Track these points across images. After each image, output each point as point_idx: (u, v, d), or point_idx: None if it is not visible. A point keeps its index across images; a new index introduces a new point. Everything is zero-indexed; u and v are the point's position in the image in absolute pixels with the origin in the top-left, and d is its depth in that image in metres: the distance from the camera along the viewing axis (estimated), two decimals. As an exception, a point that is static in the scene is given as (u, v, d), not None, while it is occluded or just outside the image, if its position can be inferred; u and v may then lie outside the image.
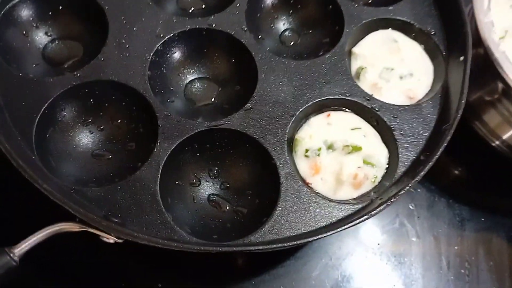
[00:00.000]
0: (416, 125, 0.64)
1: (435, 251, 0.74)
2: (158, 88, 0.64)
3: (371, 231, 0.74)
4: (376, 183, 0.62)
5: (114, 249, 0.52)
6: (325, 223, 0.56)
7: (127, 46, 0.64)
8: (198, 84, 0.69)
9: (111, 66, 0.63)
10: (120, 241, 0.50)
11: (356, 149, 0.62)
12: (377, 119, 0.65)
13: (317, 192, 0.60)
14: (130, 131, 0.62)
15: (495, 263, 0.74)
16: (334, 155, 0.63)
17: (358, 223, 0.54)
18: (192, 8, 0.74)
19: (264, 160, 0.60)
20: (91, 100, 0.62)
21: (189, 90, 0.68)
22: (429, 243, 0.74)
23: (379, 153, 0.63)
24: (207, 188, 0.61)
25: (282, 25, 0.75)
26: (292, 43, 0.74)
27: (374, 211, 0.54)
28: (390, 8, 0.73)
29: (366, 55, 0.70)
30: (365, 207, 0.58)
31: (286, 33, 0.75)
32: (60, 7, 0.68)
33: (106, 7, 0.66)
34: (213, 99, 0.68)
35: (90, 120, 0.62)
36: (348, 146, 0.62)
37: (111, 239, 0.49)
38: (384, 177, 0.62)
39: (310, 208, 0.57)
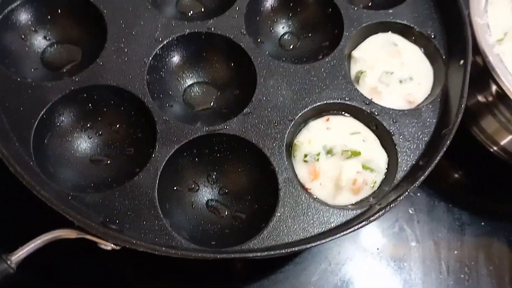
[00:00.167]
0: (415, 130, 0.64)
1: (435, 256, 0.73)
2: (156, 92, 0.64)
3: (370, 236, 0.74)
4: (375, 188, 0.62)
5: (112, 256, 0.52)
6: (323, 229, 0.56)
7: (125, 50, 0.64)
8: (197, 89, 0.68)
9: (110, 70, 0.62)
10: (118, 248, 0.50)
11: (355, 154, 0.62)
12: (377, 124, 0.64)
13: (316, 198, 0.60)
14: (128, 136, 0.62)
15: (495, 267, 0.74)
16: (333, 160, 0.62)
17: (356, 229, 0.53)
18: (191, 12, 0.74)
19: (263, 165, 0.60)
20: (90, 105, 0.62)
21: (188, 94, 0.68)
22: (429, 247, 0.74)
23: (379, 158, 0.63)
24: (206, 194, 0.61)
25: (281, 28, 0.75)
26: (291, 46, 0.74)
27: (373, 217, 0.54)
28: (390, 11, 0.72)
29: (366, 58, 0.70)
30: (364, 212, 0.58)
31: (286, 36, 0.75)
32: (59, 11, 0.68)
33: (105, 11, 0.66)
34: (212, 104, 0.68)
35: (88, 125, 0.62)
36: (347, 151, 0.62)
37: (108, 246, 0.49)
38: (383, 182, 0.62)
39: (309, 213, 0.57)
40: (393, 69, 0.70)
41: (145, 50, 0.64)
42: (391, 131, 0.63)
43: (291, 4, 0.75)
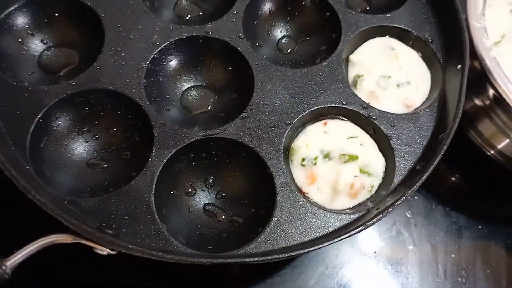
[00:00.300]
0: (413, 134, 0.64)
1: (432, 259, 0.73)
2: (154, 96, 0.64)
3: (368, 239, 0.74)
4: (373, 192, 0.62)
5: (108, 260, 0.52)
6: (321, 233, 0.56)
7: (123, 54, 0.64)
8: (195, 92, 0.68)
9: (107, 74, 0.62)
10: (114, 252, 0.50)
11: (353, 158, 0.62)
12: (374, 128, 0.64)
13: (314, 202, 0.60)
14: (125, 140, 0.62)
15: (492, 271, 0.74)
16: (331, 164, 0.62)
17: (354, 234, 0.53)
18: (189, 15, 0.74)
19: (260, 169, 0.60)
20: (87, 108, 0.62)
21: (185, 98, 0.68)
22: (426, 251, 0.74)
23: (376, 162, 0.63)
24: (203, 198, 0.61)
25: (279, 32, 0.75)
26: (289, 50, 0.74)
27: (370, 222, 0.54)
28: (388, 15, 0.73)
29: (363, 62, 0.70)
30: (361, 217, 0.58)
31: (283, 40, 0.75)
32: (56, 15, 0.67)
33: (102, 15, 0.66)
34: (209, 107, 0.68)
35: (85, 128, 0.62)
36: (344, 155, 0.62)
37: (104, 251, 0.49)
38: (380, 186, 0.62)
39: (306, 218, 0.57)
40: (391, 73, 0.70)
41: (142, 54, 0.64)
42: (388, 135, 0.63)
43: (289, 8, 0.75)
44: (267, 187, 0.59)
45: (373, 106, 0.65)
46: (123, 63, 0.63)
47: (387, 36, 0.73)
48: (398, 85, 0.69)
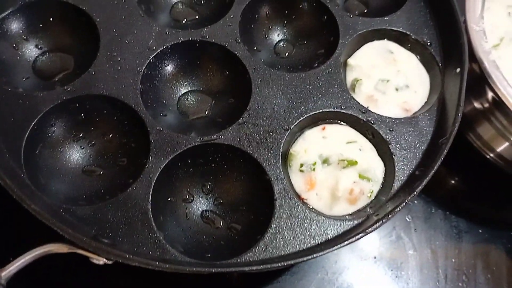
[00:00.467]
0: (412, 138, 0.63)
1: (432, 264, 0.73)
2: (150, 101, 0.63)
3: (367, 244, 0.73)
4: (372, 198, 0.61)
5: (105, 269, 0.51)
6: (320, 240, 0.55)
7: (118, 59, 0.63)
8: (191, 97, 0.68)
9: (103, 79, 0.61)
10: (110, 262, 0.49)
11: (352, 163, 0.61)
12: (373, 132, 0.64)
13: (312, 208, 0.59)
14: (121, 146, 0.61)
15: (493, 275, 0.73)
16: (330, 169, 0.62)
17: (354, 241, 0.53)
18: (185, 19, 0.73)
19: (258, 175, 0.59)
20: (82, 114, 0.61)
21: (182, 103, 0.67)
22: (426, 256, 0.73)
23: (375, 167, 0.62)
24: (201, 204, 0.60)
25: (276, 36, 0.75)
26: (287, 54, 0.74)
27: (370, 229, 0.54)
28: (386, 18, 0.72)
29: (362, 66, 0.70)
30: (361, 223, 0.57)
31: (281, 44, 0.74)
32: (51, 19, 0.67)
33: (98, 19, 0.65)
34: (206, 112, 0.67)
35: (81, 135, 0.61)
36: (343, 160, 0.61)
37: (100, 261, 0.48)
38: (380, 191, 0.61)
39: (305, 225, 0.56)
40: (389, 77, 0.69)
41: (138, 59, 0.64)
42: (387, 139, 0.63)
43: (286, 12, 0.74)
44: (266, 194, 0.58)
45: (371, 110, 0.65)
46: (119, 68, 0.63)
47: (385, 39, 0.72)
48: (396, 89, 0.69)
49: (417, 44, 0.71)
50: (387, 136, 0.63)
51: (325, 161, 0.62)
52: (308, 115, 0.63)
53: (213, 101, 0.68)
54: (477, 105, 0.73)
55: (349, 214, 0.59)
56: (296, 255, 0.53)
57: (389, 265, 0.72)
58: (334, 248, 0.52)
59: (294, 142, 0.63)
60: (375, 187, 0.61)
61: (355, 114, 0.64)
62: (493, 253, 0.75)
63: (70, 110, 0.60)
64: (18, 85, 0.62)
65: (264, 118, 0.62)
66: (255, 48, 0.71)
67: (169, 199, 0.58)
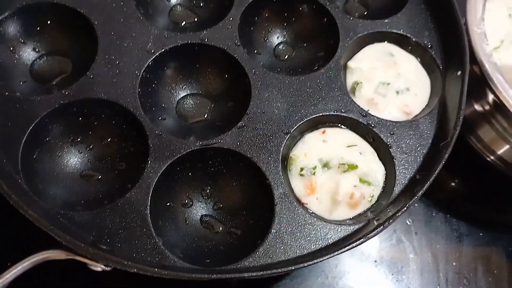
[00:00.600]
0: (413, 142, 0.63)
1: (433, 268, 0.73)
2: (149, 105, 0.62)
3: (368, 248, 0.73)
4: (373, 202, 0.61)
5: (104, 275, 0.50)
6: (321, 245, 0.55)
7: (117, 62, 0.63)
8: (190, 101, 0.67)
9: (101, 83, 0.61)
10: (108, 269, 0.48)
11: (352, 167, 0.61)
12: (373, 136, 0.63)
13: (313, 213, 0.59)
14: (120, 150, 0.61)
15: (494, 279, 0.73)
16: (330, 173, 0.61)
17: (354, 246, 0.52)
18: (184, 22, 0.72)
19: (258, 179, 0.59)
20: (80, 118, 0.60)
21: (181, 106, 0.67)
22: (427, 259, 0.73)
23: (376, 171, 0.62)
24: (200, 209, 0.60)
25: (276, 38, 0.74)
26: (286, 57, 0.73)
27: (371, 234, 0.53)
28: (386, 21, 0.71)
29: (362, 69, 0.69)
30: (362, 228, 0.57)
31: (280, 46, 0.74)
32: (48, 22, 0.66)
33: (96, 22, 0.64)
34: (205, 116, 0.66)
35: (79, 139, 0.61)
36: (344, 164, 0.61)
37: (98, 267, 0.48)
38: (381, 195, 0.61)
39: (306, 229, 0.56)
40: (390, 80, 0.69)
41: (136, 62, 0.63)
42: (388, 143, 0.62)
43: (286, 14, 0.74)
44: (266, 198, 0.57)
45: (372, 113, 0.64)
46: (117, 71, 0.62)
47: (386, 42, 0.72)
48: (397, 92, 0.68)
49: (418, 47, 0.71)
50: (388, 140, 0.63)
51: (326, 165, 0.61)
52: (308, 118, 0.63)
53: (212, 105, 0.67)
54: (477, 107, 0.73)
55: (350, 219, 0.59)
56: (296, 260, 0.53)
57: (389, 269, 0.72)
58: (335, 253, 0.51)
59: (294, 146, 0.63)
60: (376, 191, 0.61)
61: (355, 118, 0.64)
62: (494, 256, 0.75)
63: (68, 114, 0.60)
64: (15, 89, 0.61)
65: (264, 122, 0.62)
66: (254, 51, 0.70)
67: (168, 204, 0.58)
